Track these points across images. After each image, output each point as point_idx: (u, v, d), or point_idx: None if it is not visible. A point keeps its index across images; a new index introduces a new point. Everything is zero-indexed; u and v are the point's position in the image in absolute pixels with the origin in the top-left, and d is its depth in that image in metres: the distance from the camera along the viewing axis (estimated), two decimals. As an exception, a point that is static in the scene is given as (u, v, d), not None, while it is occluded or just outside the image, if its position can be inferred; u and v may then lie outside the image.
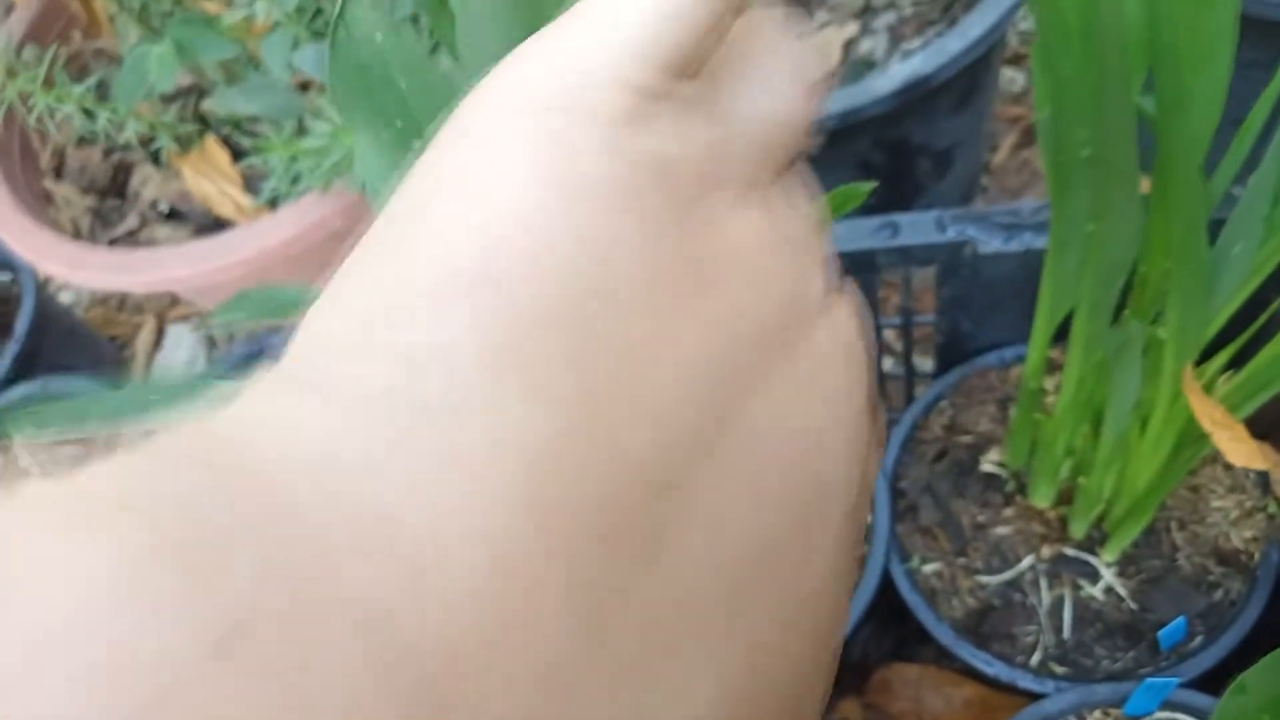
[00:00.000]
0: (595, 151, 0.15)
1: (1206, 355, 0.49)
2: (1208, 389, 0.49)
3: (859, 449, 0.18)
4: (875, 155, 0.82)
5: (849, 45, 0.82)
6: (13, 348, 0.98)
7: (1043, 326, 0.50)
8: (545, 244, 0.14)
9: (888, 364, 0.91)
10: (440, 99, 0.31)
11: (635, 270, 0.15)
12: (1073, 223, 0.42)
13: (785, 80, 0.18)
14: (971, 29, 0.72)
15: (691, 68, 0.17)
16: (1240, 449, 0.45)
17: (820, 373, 0.17)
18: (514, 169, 0.15)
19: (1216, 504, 0.62)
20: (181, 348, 1.13)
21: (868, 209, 0.89)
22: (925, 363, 0.88)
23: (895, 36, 0.80)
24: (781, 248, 0.17)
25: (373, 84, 0.30)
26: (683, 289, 0.15)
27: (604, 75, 0.16)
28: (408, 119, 0.31)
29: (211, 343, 1.14)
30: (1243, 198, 0.40)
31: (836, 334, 0.18)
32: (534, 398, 0.13)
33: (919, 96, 0.74)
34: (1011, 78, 1.02)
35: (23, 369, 0.99)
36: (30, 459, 0.94)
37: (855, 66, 0.81)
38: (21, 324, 0.99)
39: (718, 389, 0.15)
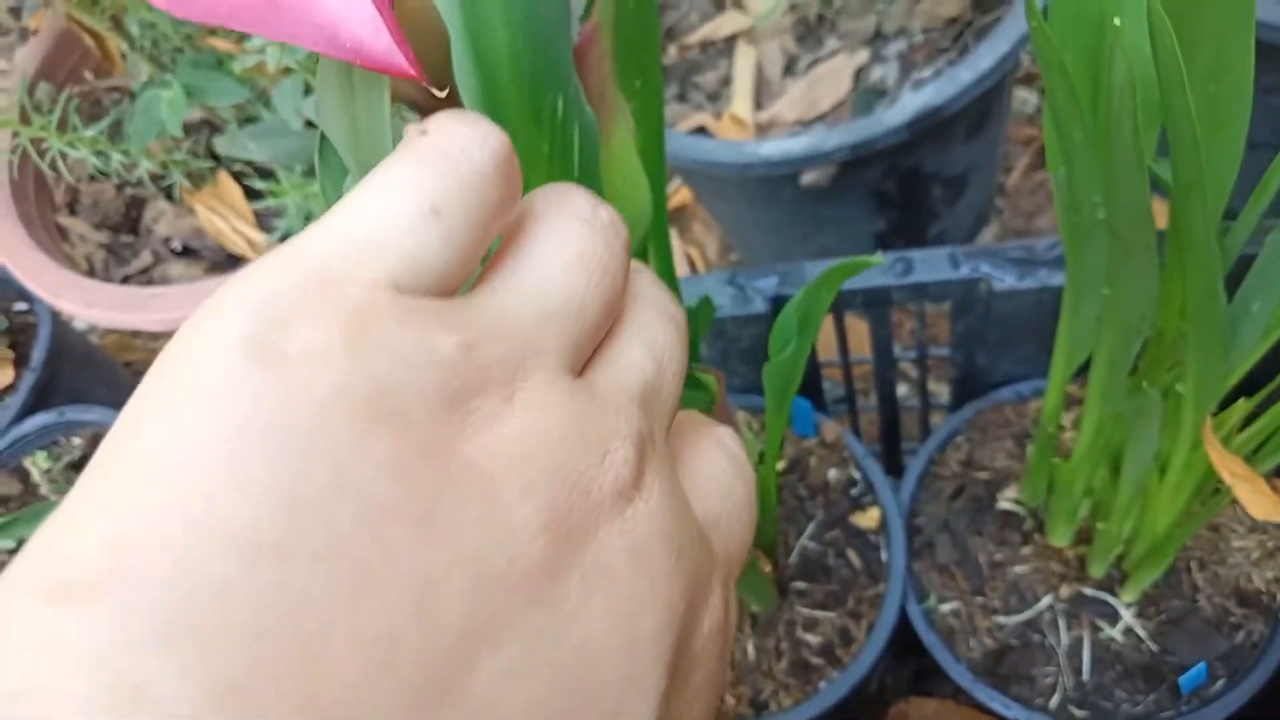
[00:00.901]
0: (298, 394, 0.14)
1: (1228, 401, 0.48)
2: (1228, 438, 0.48)
3: (658, 650, 0.16)
4: (887, 184, 0.81)
5: (860, 73, 0.81)
6: (30, 377, 0.98)
7: (1059, 372, 0.50)
8: (219, 511, 0.13)
9: (902, 390, 0.90)
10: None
11: (324, 525, 0.13)
12: (1089, 281, 0.41)
13: (561, 260, 0.18)
14: (982, 59, 0.72)
15: (443, 276, 0.16)
16: (1261, 502, 0.44)
17: (598, 584, 0.16)
18: (206, 416, 0.14)
19: (1238, 544, 0.61)
20: (197, 375, 1.14)
21: (882, 238, 0.89)
22: (941, 388, 0.88)
23: (906, 64, 0.80)
24: (556, 449, 0.16)
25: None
26: (392, 534, 0.14)
27: (324, 299, 0.15)
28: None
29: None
30: (1261, 255, 0.39)
31: (631, 537, 0.16)
32: (190, 680, 0.12)
33: (931, 127, 0.73)
34: (1024, 98, 1.02)
35: (41, 398, 1.00)
36: (49, 487, 0.95)
37: (866, 95, 0.80)
38: (38, 353, 1.00)
39: (427, 653, 0.13)
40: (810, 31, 0.85)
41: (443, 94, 0.19)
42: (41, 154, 0.72)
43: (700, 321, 0.48)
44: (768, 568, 0.61)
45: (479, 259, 0.17)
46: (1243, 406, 0.48)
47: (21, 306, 1.07)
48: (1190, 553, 0.62)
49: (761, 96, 0.83)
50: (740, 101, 0.81)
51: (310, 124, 0.60)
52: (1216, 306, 0.36)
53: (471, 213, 0.16)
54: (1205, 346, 0.39)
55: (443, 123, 0.18)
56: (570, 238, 0.18)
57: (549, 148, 0.37)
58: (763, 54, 0.84)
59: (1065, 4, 0.37)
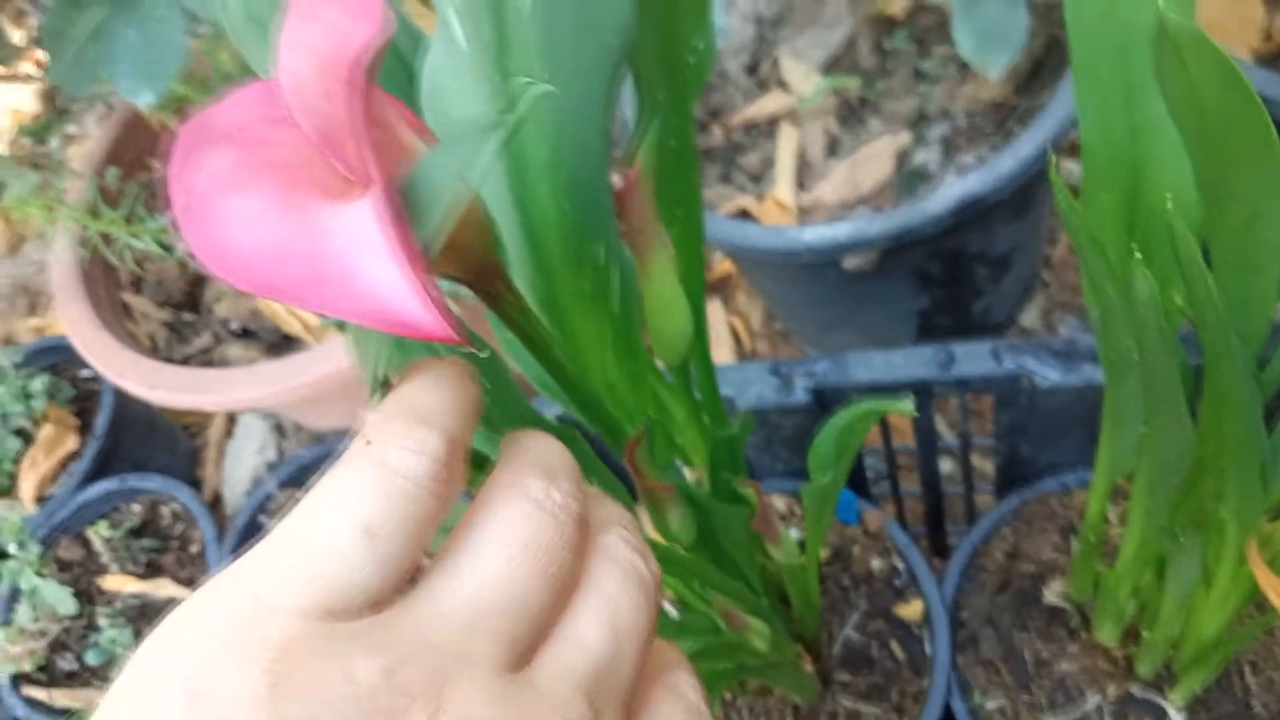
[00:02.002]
0: None
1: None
2: (1275, 557, 0.47)
3: None
4: (931, 265, 0.82)
5: (902, 155, 0.82)
6: (93, 445, 1.02)
7: (1101, 485, 0.49)
8: None
9: (947, 466, 0.90)
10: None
11: None
12: (1127, 408, 0.41)
13: (505, 553, 0.18)
14: (1024, 147, 0.72)
15: (376, 592, 0.17)
16: (1311, 626, 0.44)
17: None
18: None
19: (1293, 648, 0.60)
20: (252, 437, 1.16)
21: (925, 315, 0.89)
22: (987, 465, 0.87)
23: (949, 148, 0.80)
24: None
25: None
26: None
27: (251, 638, 0.16)
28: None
29: (281, 432, 1.17)
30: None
31: None
32: None
33: (975, 214, 0.74)
34: (1071, 169, 1.01)
35: (104, 464, 1.03)
36: (109, 554, 0.98)
37: (909, 178, 0.81)
38: (102, 421, 1.03)
39: None
40: (853, 113, 0.86)
41: (484, 354, 0.20)
42: (109, 243, 0.75)
43: (742, 435, 0.49)
44: (809, 666, 0.61)
45: (415, 563, 0.18)
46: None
47: (87, 373, 1.11)
48: (1243, 656, 0.61)
49: (804, 177, 0.84)
50: (783, 185, 0.82)
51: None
52: (1253, 447, 0.36)
53: (407, 526, 0.17)
54: (1244, 480, 0.38)
55: (385, 431, 0.18)
56: (518, 526, 0.19)
57: (591, 289, 0.38)
58: (805, 135, 0.85)
59: (1101, 151, 0.37)
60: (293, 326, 0.80)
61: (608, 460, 0.39)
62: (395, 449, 0.18)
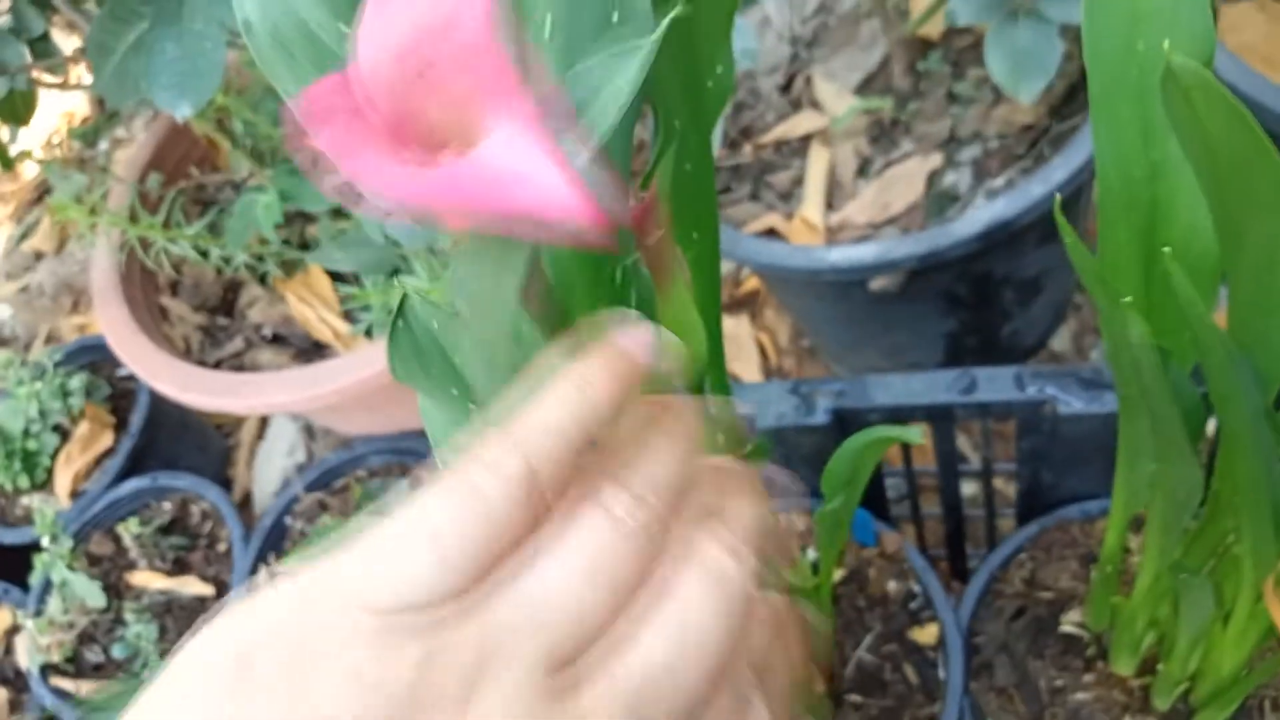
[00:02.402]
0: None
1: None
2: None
3: None
4: (959, 288, 0.81)
5: (933, 177, 0.82)
6: (127, 443, 1.04)
7: (1118, 518, 0.49)
8: None
9: (970, 489, 0.89)
10: (485, 372, 0.33)
11: None
12: (1140, 447, 0.41)
13: (569, 568, 0.19)
14: (1056, 172, 0.72)
15: (442, 595, 0.18)
16: (1327, 669, 0.43)
17: None
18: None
19: (1316, 688, 0.59)
20: (283, 439, 1.18)
21: (954, 337, 0.88)
22: (1009, 488, 0.86)
23: (980, 171, 0.80)
24: None
25: (429, 361, 0.32)
26: None
27: (300, 629, 0.17)
28: (462, 387, 0.33)
29: (311, 435, 1.19)
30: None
31: None
32: None
33: (1003, 238, 0.73)
34: (1062, 219, 1.00)
35: (137, 462, 1.06)
36: (138, 551, 0.99)
37: (938, 200, 0.81)
38: (137, 419, 1.05)
39: None
40: (884, 133, 0.86)
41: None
42: (147, 247, 0.77)
43: (756, 456, 0.49)
44: (820, 686, 0.61)
45: (485, 571, 0.19)
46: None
47: (124, 372, 1.13)
48: (1264, 691, 0.60)
49: (833, 198, 0.84)
50: (811, 204, 0.82)
51: (389, 238, 0.63)
52: (1266, 488, 0.36)
53: (476, 537, 0.18)
54: (1258, 520, 0.38)
55: (475, 449, 0.20)
56: (588, 542, 0.19)
57: (607, 309, 0.39)
58: (836, 155, 0.85)
59: (1118, 189, 0.37)
60: (323, 334, 0.82)
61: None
62: (477, 468, 0.19)
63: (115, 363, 1.13)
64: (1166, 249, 0.30)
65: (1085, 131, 0.74)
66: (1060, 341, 0.96)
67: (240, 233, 0.71)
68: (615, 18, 0.31)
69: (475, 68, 0.23)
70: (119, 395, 1.10)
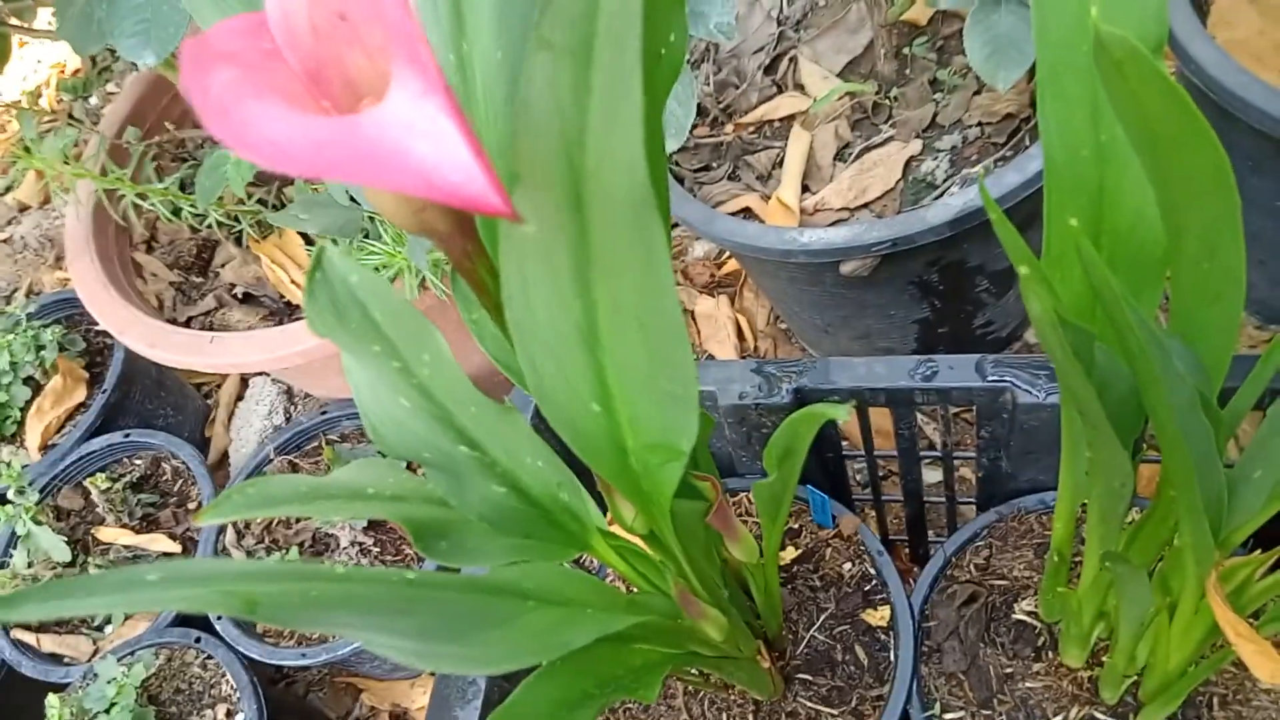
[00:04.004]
0: None
1: (1252, 546, 0.47)
2: (1244, 586, 0.47)
3: None
4: (931, 275, 0.81)
5: (911, 163, 0.81)
6: (100, 398, 1.04)
7: (1065, 508, 0.49)
8: None
9: (933, 476, 0.89)
10: (408, 326, 0.33)
11: None
12: (1075, 443, 0.41)
13: None
14: (1031, 163, 0.71)
15: None
16: (1265, 665, 0.44)
17: None
18: None
19: (1265, 686, 0.59)
20: (263, 401, 1.18)
21: (926, 325, 0.88)
22: (970, 475, 0.86)
23: (957, 160, 0.80)
24: None
25: (348, 316, 0.32)
26: None
27: None
28: (385, 344, 0.33)
29: (290, 398, 1.19)
30: (1262, 426, 0.39)
31: None
32: None
33: (976, 226, 0.73)
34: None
35: (110, 417, 1.05)
36: (106, 505, 0.99)
37: (915, 186, 0.80)
38: (111, 375, 1.05)
39: None
40: (866, 118, 0.85)
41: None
42: (118, 201, 0.76)
43: (701, 432, 0.49)
44: (767, 663, 0.62)
45: None
46: (1258, 560, 0.47)
47: (100, 327, 1.13)
48: (1212, 688, 0.60)
49: (811, 180, 0.84)
50: (788, 186, 0.82)
51: (354, 199, 0.63)
52: (1203, 483, 0.36)
53: None
54: (1193, 516, 0.38)
55: None
56: None
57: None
58: (817, 138, 0.85)
59: (1066, 171, 0.37)
60: (294, 295, 0.81)
61: (563, 449, 0.39)
62: None
63: (92, 320, 1.13)
64: (1080, 233, 0.29)
65: (1064, 122, 0.73)
66: (1035, 334, 0.96)
67: (210, 189, 0.70)
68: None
69: (384, 18, 0.23)
70: (95, 350, 1.09)
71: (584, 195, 0.24)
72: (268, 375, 1.19)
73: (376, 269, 0.64)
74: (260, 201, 0.84)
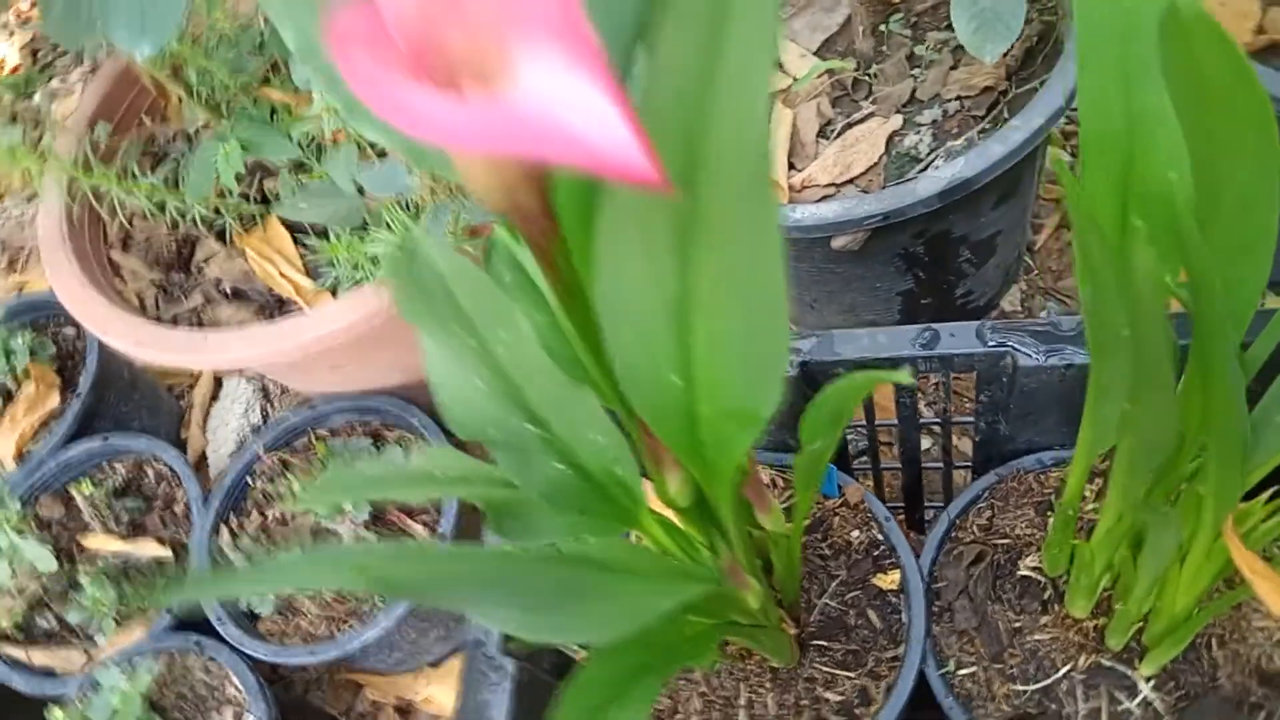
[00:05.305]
0: None
1: (1257, 489, 0.49)
2: (1253, 529, 0.49)
3: None
4: (917, 247, 0.83)
5: (893, 138, 0.83)
6: (76, 404, 1.02)
7: (1082, 460, 0.51)
8: None
9: (926, 442, 0.92)
10: (489, 305, 0.34)
11: None
12: (1111, 385, 0.43)
13: None
14: (1015, 133, 0.73)
15: None
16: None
17: None
18: None
19: (1259, 624, 0.62)
20: (239, 400, 1.16)
21: (909, 296, 0.90)
22: (965, 443, 0.89)
23: (939, 133, 0.82)
24: None
25: (434, 298, 0.32)
26: None
27: None
28: (465, 324, 0.33)
29: (266, 395, 1.17)
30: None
31: None
32: None
33: (962, 197, 0.75)
34: (1056, 156, 1.03)
35: (86, 423, 1.03)
36: (91, 512, 0.97)
37: (898, 161, 0.82)
38: (85, 380, 1.03)
39: None
40: (846, 95, 0.87)
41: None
42: (100, 198, 0.75)
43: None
44: (793, 630, 0.63)
45: None
46: (1262, 507, 0.49)
47: (70, 331, 1.10)
48: (1211, 630, 0.63)
49: (796, 158, 0.85)
50: (775, 164, 0.83)
51: (360, 189, 0.62)
52: (1236, 425, 0.38)
53: None
54: (1224, 459, 0.40)
55: None
56: None
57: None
58: (799, 116, 0.86)
59: (1098, 135, 0.38)
60: (285, 289, 0.81)
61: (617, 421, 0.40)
62: None
63: (59, 321, 1.10)
64: (1172, 174, 0.31)
65: (1045, 95, 0.76)
66: (1010, 302, 0.99)
67: (200, 184, 0.69)
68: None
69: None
70: (65, 355, 1.07)
71: (698, 170, 0.25)
72: (242, 374, 1.17)
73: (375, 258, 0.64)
74: (243, 195, 0.83)
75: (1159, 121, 0.38)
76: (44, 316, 1.08)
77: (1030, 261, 0.99)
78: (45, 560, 0.92)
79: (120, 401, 1.07)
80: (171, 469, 0.97)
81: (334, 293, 0.78)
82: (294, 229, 0.83)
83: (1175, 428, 0.38)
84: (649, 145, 0.20)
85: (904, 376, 0.35)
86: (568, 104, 0.20)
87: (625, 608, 0.32)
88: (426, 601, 0.25)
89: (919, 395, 0.95)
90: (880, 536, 0.71)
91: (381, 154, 0.60)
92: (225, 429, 1.14)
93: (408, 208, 0.62)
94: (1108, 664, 0.64)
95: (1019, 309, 0.98)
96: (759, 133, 0.23)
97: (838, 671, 0.67)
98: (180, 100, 0.92)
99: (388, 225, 0.63)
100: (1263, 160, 0.32)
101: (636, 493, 0.43)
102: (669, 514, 0.49)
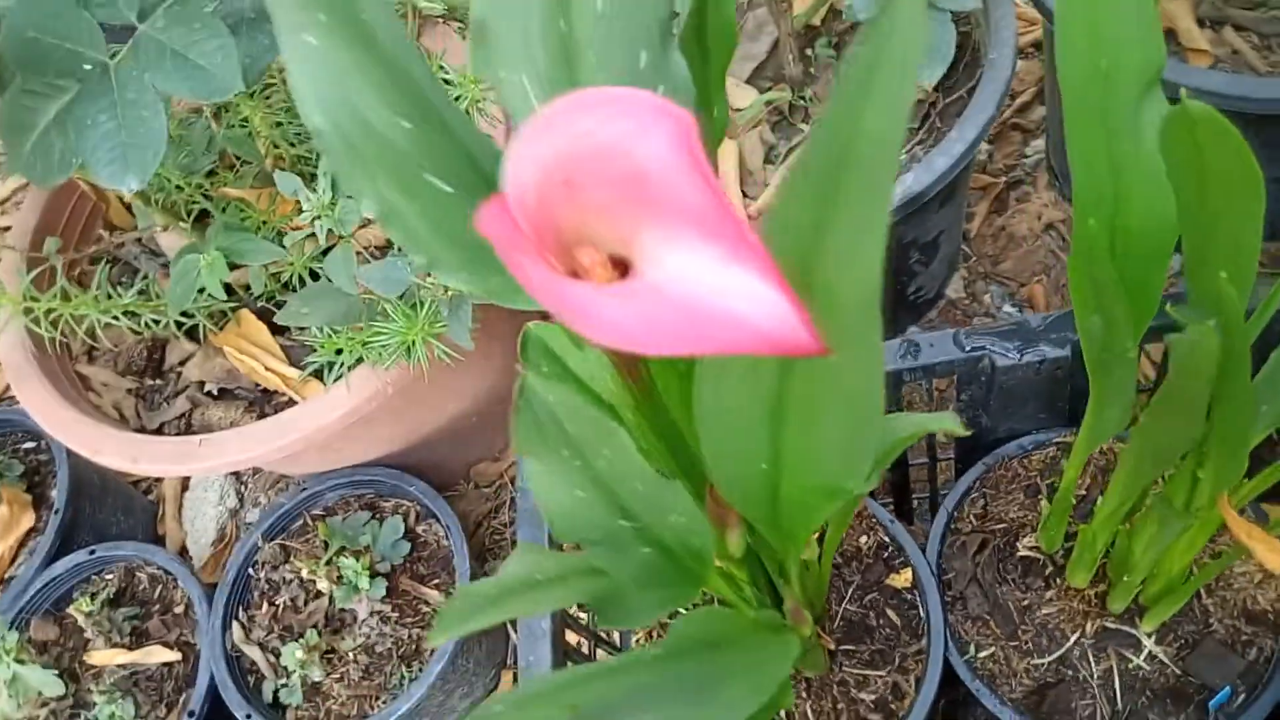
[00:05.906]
0: None
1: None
2: (1235, 489, 0.55)
3: None
4: (873, 256, 0.88)
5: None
6: (54, 520, 1.00)
7: (1080, 454, 0.56)
8: None
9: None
10: (594, 430, 0.36)
11: None
12: (1113, 392, 0.47)
13: None
14: (956, 146, 0.78)
15: None
16: (1278, 558, 0.51)
17: None
18: None
19: (1240, 569, 0.68)
20: (212, 488, 1.15)
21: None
22: (940, 437, 0.94)
23: (881, 148, 0.86)
24: None
25: (545, 429, 0.35)
26: None
27: None
28: (572, 448, 0.36)
29: (239, 479, 1.16)
30: (1271, 360, 0.46)
31: None
32: None
33: (917, 208, 0.80)
34: (1037, 145, 1.08)
35: (67, 536, 1.01)
36: (92, 628, 0.96)
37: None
38: (60, 495, 1.01)
39: None
40: (784, 119, 0.91)
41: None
42: (58, 319, 0.74)
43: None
44: (830, 644, 0.67)
45: None
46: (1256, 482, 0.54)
47: (30, 445, 1.08)
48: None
49: (747, 186, 0.89)
50: (730, 194, 0.87)
51: (368, 292, 0.64)
52: (1241, 427, 0.43)
53: None
54: (1228, 452, 0.45)
55: None
56: None
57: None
58: (744, 146, 0.89)
59: (1087, 184, 0.43)
60: (271, 381, 0.81)
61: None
62: None
63: (19, 438, 1.08)
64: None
65: (974, 105, 0.81)
66: (955, 290, 1.05)
67: (182, 297, 0.69)
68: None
69: (643, 185, 0.26)
70: (32, 470, 1.05)
71: (809, 303, 0.28)
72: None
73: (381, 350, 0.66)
74: (210, 295, 0.83)
75: (1137, 169, 0.42)
76: (1, 434, 1.05)
77: (968, 249, 1.05)
78: (51, 685, 0.91)
79: (95, 509, 1.05)
80: (165, 570, 0.96)
81: (319, 377, 0.79)
82: (267, 316, 0.83)
83: (1193, 441, 0.42)
84: (809, 319, 0.23)
85: (958, 428, 0.39)
86: (732, 292, 0.23)
87: (754, 684, 0.35)
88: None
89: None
90: (887, 539, 0.75)
91: (378, 251, 0.61)
92: (203, 519, 1.13)
93: (403, 297, 0.64)
94: (1112, 626, 0.69)
95: (964, 295, 1.04)
96: (871, 274, 0.27)
97: (868, 672, 0.72)
98: (124, 203, 0.91)
99: (383, 313, 0.65)
100: (1250, 214, 0.37)
101: (707, 558, 0.46)
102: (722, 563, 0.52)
